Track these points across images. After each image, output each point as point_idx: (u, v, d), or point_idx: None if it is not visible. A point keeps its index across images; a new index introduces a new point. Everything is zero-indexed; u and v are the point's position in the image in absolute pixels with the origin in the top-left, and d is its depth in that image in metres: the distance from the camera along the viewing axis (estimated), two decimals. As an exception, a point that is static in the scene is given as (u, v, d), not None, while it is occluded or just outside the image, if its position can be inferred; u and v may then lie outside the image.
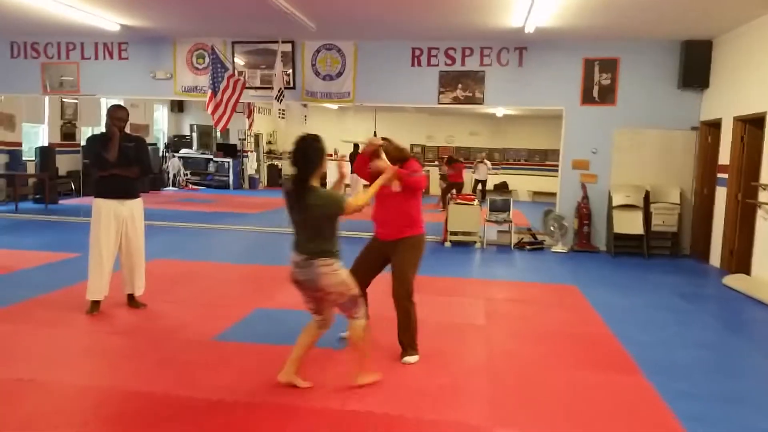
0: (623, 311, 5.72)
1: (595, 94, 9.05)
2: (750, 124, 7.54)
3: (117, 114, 4.89)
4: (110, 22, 8.70)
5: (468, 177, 17.90)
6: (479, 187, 17.64)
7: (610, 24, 7.90)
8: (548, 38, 8.73)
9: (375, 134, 17.19)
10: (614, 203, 8.80)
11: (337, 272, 3.38)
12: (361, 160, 4.17)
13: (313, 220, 3.33)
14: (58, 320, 4.75)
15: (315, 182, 3.33)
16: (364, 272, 4.23)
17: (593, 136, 9.08)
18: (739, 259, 7.49)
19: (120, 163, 4.82)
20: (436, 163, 15.88)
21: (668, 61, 8.82)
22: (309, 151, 3.33)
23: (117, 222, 4.87)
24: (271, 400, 3.38)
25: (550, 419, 3.34)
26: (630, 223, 8.72)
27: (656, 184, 8.91)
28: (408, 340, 4.12)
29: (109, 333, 4.56)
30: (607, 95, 9.03)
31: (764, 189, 6.92)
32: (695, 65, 8.61)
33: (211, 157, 18.08)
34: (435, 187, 17.35)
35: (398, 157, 4.14)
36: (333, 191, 3.46)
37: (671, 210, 8.74)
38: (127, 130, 5.07)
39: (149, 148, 5.44)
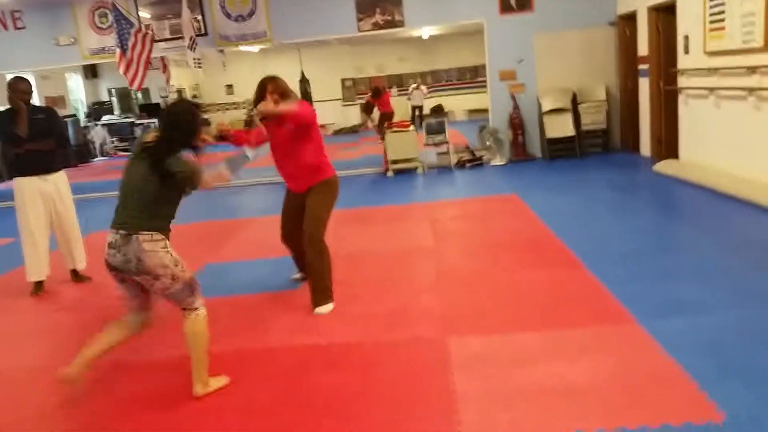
0: (561, 211, 5.93)
1: (513, 2, 9.02)
2: (664, 12, 7.70)
3: (19, 87, 4.60)
4: (-4, -12, 8.06)
5: (405, 104, 17.86)
6: (416, 113, 17.63)
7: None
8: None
9: (302, 73, 16.79)
10: (544, 109, 8.96)
11: (167, 250, 2.80)
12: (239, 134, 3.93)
13: (162, 187, 2.76)
14: (1, 307, 4.62)
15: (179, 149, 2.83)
16: (292, 223, 4.09)
17: (516, 45, 9.11)
18: (667, 146, 7.81)
19: (33, 138, 4.57)
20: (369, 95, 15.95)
21: (580, -42, 8.83)
22: (182, 117, 2.85)
23: (43, 199, 4.68)
24: (231, 347, 3.42)
25: (501, 320, 3.50)
26: (561, 127, 8.93)
27: (582, 85, 9.08)
28: (321, 286, 3.88)
29: (55, 311, 4.46)
30: (525, 2, 9.00)
31: (682, 75, 7.16)
32: (607, -42, 8.66)
33: (135, 120, 17.32)
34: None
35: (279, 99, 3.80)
36: (195, 163, 2.89)
37: (599, 108, 8.97)
38: (40, 102, 4.80)
39: (65, 119, 5.18)
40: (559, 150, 9.02)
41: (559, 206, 6.17)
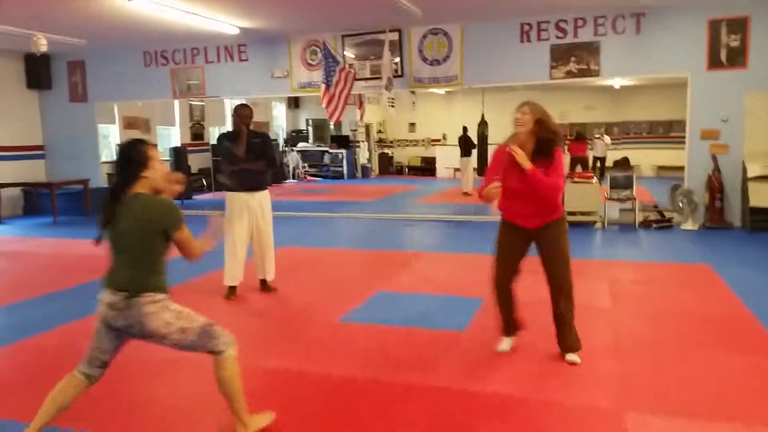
0: (764, 290, 5.30)
1: (723, 57, 8.37)
2: None
3: (243, 112, 5.24)
4: (230, 26, 9.25)
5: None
6: (597, 164, 16.97)
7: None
8: (668, 1, 8.18)
9: (483, 116, 16.94)
10: (749, 174, 8.12)
11: (169, 308, 2.65)
12: (497, 161, 3.74)
13: (135, 238, 2.60)
14: (201, 304, 5.09)
15: (141, 189, 2.65)
16: (513, 262, 3.77)
17: (722, 102, 8.42)
18: None
19: (248, 158, 5.16)
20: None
21: (808, 13, 7.98)
22: (132, 154, 2.65)
23: (248, 213, 5.22)
24: (397, 379, 3.50)
25: (687, 402, 3.19)
26: (768, 196, 8.02)
27: (799, 152, 8.11)
28: (575, 332, 3.77)
29: (246, 315, 4.93)
30: (737, 58, 8.31)
31: None
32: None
33: (326, 148, 18.75)
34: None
35: (546, 140, 3.60)
36: (168, 200, 2.70)
37: (818, 179, 7.93)
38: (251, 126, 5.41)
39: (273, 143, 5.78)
40: (763, 221, 8.08)
41: (761, 284, 5.51)
